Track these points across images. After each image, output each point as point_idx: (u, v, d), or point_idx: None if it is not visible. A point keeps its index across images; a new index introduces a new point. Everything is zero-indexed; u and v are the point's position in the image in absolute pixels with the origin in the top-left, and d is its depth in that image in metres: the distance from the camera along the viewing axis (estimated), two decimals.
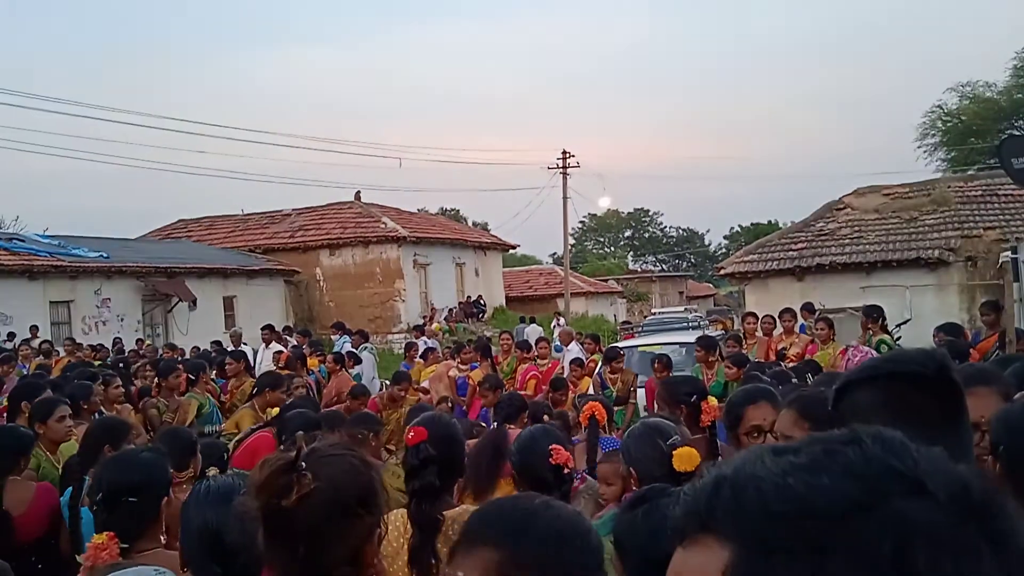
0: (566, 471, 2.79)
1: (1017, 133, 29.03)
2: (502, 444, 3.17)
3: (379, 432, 5.17)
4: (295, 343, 13.66)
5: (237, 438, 5.22)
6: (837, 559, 0.55)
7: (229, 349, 14.37)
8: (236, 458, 4.78)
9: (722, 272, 17.93)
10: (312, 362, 10.34)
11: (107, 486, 2.44)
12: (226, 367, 8.40)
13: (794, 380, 5.11)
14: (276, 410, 5.35)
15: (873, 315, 9.14)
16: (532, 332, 23.20)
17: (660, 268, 63.38)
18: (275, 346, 13.45)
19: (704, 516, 0.62)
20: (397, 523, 2.50)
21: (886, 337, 9.07)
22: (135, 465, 2.57)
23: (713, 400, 3.80)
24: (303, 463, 1.49)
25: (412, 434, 2.63)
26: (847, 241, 16.14)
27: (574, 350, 10.93)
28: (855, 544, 0.55)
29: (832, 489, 0.58)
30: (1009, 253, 9.03)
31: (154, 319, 21.21)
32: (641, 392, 8.18)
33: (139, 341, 16.84)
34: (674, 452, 2.63)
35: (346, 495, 1.54)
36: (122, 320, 19.95)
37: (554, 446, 2.81)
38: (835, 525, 0.56)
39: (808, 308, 10.46)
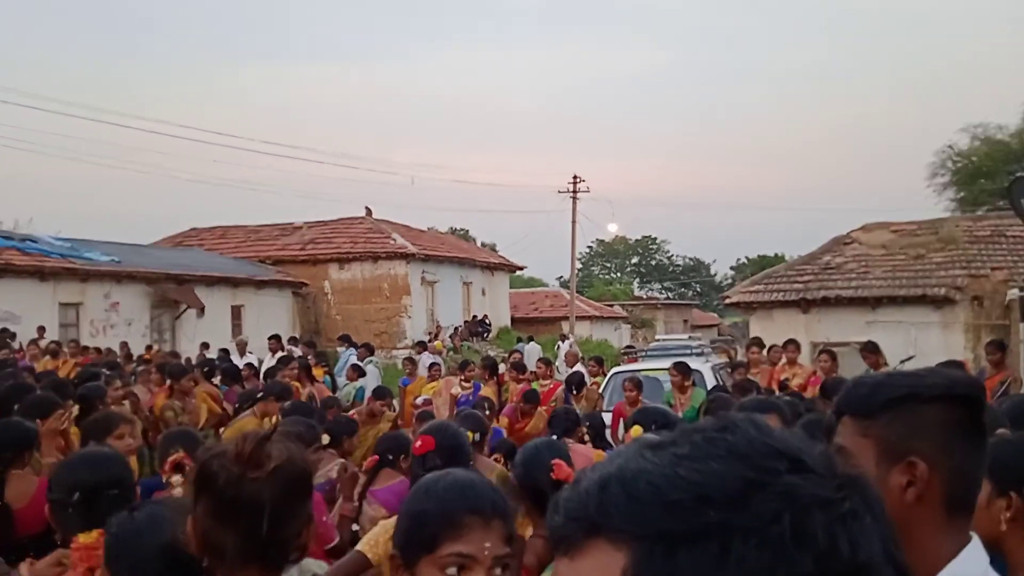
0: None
1: None
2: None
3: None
4: (300, 353, 13.72)
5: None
6: (739, 540, 0.55)
7: (233, 357, 14.45)
8: None
9: (728, 301, 17.95)
10: (318, 372, 10.42)
11: (82, 485, 2.41)
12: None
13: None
14: (275, 419, 5.34)
15: (874, 351, 9.17)
16: (531, 351, 23.26)
17: (665, 296, 63.29)
18: (280, 355, 13.50)
19: (595, 518, 0.59)
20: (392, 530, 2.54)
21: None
22: (104, 461, 2.60)
23: None
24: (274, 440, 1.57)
25: (420, 443, 2.67)
26: (853, 276, 16.16)
27: (579, 371, 10.97)
28: (755, 522, 0.55)
29: (724, 473, 0.58)
30: (1016, 291, 9.05)
31: (162, 325, 21.31)
32: (607, 416, 8.05)
33: (148, 348, 16.90)
34: None
35: (303, 473, 1.62)
36: (130, 324, 20.03)
37: (556, 460, 2.83)
38: (733, 506, 0.56)
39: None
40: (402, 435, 5.48)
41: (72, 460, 2.72)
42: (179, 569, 1.75)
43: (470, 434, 4.22)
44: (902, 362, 11.60)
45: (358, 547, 2.59)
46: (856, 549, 0.57)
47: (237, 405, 6.87)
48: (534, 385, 9.23)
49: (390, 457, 4.39)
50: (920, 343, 14.04)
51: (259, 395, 6.39)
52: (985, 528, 1.61)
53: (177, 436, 4.04)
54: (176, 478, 3.69)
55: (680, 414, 7.90)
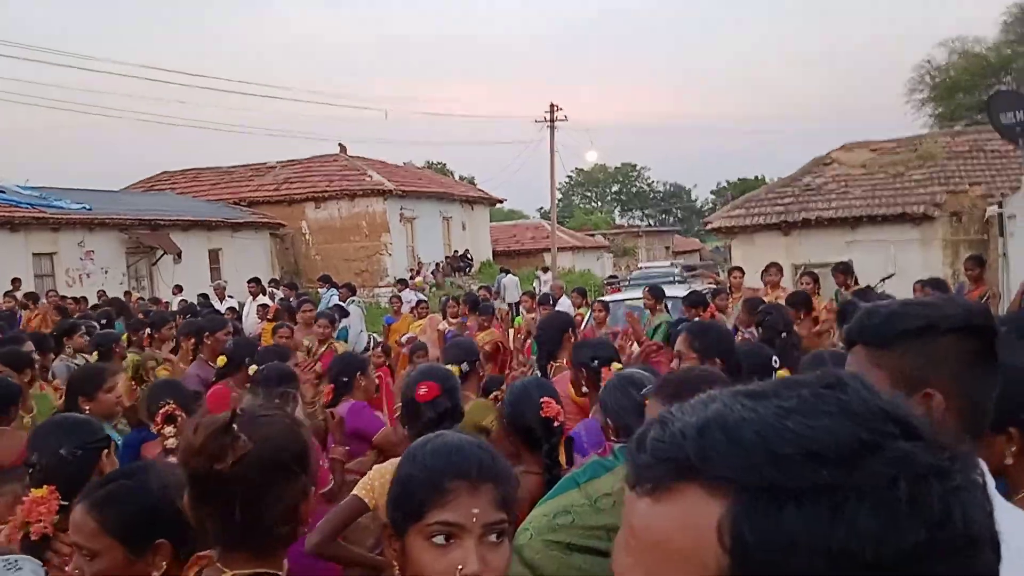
0: (556, 424, 2.80)
1: (1006, 88, 28.99)
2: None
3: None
4: (282, 296, 13.65)
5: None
6: (852, 502, 0.53)
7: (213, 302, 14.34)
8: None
9: (709, 227, 17.96)
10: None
11: (40, 452, 2.39)
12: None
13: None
14: (223, 359, 5.00)
15: (847, 272, 9.24)
16: (509, 284, 23.31)
17: (647, 223, 63.39)
18: (261, 299, 13.42)
19: (693, 461, 0.57)
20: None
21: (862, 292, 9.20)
22: (71, 425, 2.57)
23: (617, 366, 3.66)
24: (236, 426, 1.47)
25: (425, 389, 2.65)
26: (833, 196, 16.17)
27: (564, 304, 10.98)
28: (869, 485, 0.53)
29: (838, 431, 0.55)
30: (995, 208, 9.08)
31: (139, 272, 21.07)
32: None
33: (127, 294, 16.73)
34: (647, 401, 2.65)
35: (282, 455, 1.52)
36: (106, 272, 19.80)
37: (545, 399, 2.81)
38: (846, 467, 0.54)
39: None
40: (351, 355, 5.37)
41: (41, 427, 2.67)
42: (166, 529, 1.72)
43: (456, 368, 4.19)
44: (882, 280, 11.70)
45: (355, 491, 2.58)
46: (969, 522, 0.55)
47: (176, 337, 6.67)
48: (517, 320, 9.23)
49: (344, 380, 4.34)
50: (900, 261, 14.15)
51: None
52: (985, 459, 1.61)
53: (164, 387, 3.98)
54: (168, 429, 3.67)
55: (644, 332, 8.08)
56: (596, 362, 3.68)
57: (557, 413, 2.80)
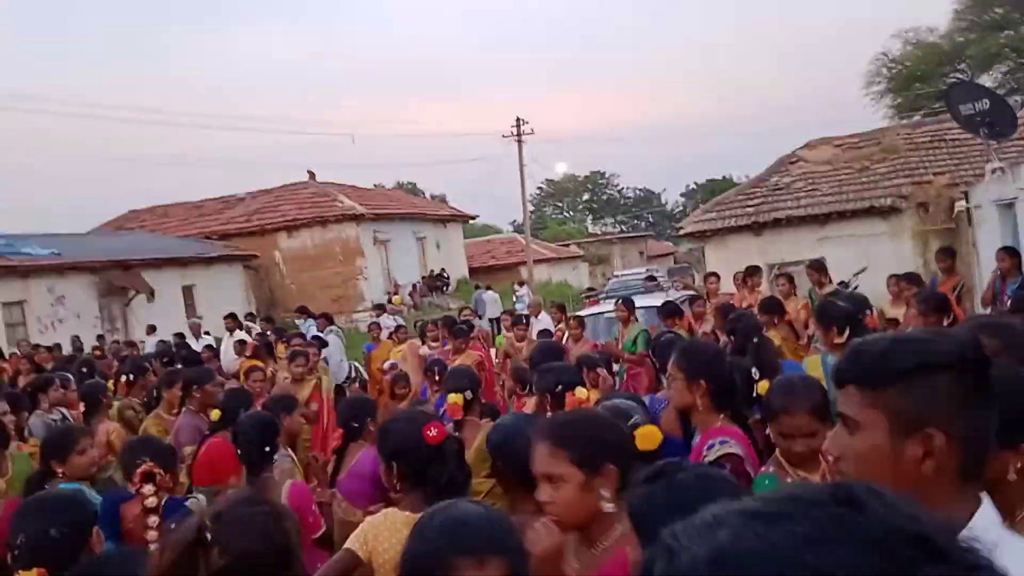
0: None
1: (962, 78, 29.54)
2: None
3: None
4: (259, 331, 13.51)
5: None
6: None
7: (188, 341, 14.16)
8: (196, 473, 4.54)
9: (681, 232, 18.06)
10: (280, 349, 10.20)
11: (29, 530, 2.34)
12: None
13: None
14: (217, 413, 4.87)
15: (820, 269, 9.32)
16: (488, 300, 23.28)
17: (620, 230, 63.64)
18: (239, 334, 13.28)
19: None
20: (396, 526, 2.43)
21: (837, 288, 9.28)
22: (57, 503, 2.51)
23: (581, 392, 3.66)
24: (208, 535, 1.39)
25: (435, 431, 2.57)
26: (802, 194, 16.33)
27: (544, 320, 10.97)
28: None
29: (858, 564, 0.52)
30: (963, 203, 9.23)
31: (112, 314, 20.77)
32: None
33: (100, 337, 16.48)
34: (636, 432, 2.62)
35: (261, 559, 1.44)
36: (79, 317, 19.48)
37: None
38: None
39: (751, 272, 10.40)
40: (365, 399, 5.30)
41: (23, 507, 2.59)
42: None
43: (460, 397, 4.12)
44: (855, 275, 11.83)
45: (347, 545, 2.53)
46: None
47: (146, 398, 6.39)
48: (499, 340, 9.17)
49: (355, 425, 4.21)
50: (871, 254, 14.30)
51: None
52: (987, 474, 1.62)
53: (143, 445, 3.91)
54: (148, 488, 3.59)
55: (620, 345, 8.11)
56: (560, 387, 3.67)
57: None
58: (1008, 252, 7.56)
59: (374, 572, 2.41)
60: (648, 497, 1.58)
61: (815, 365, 4.62)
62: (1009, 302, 7.37)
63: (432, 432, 2.58)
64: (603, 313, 10.35)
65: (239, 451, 3.90)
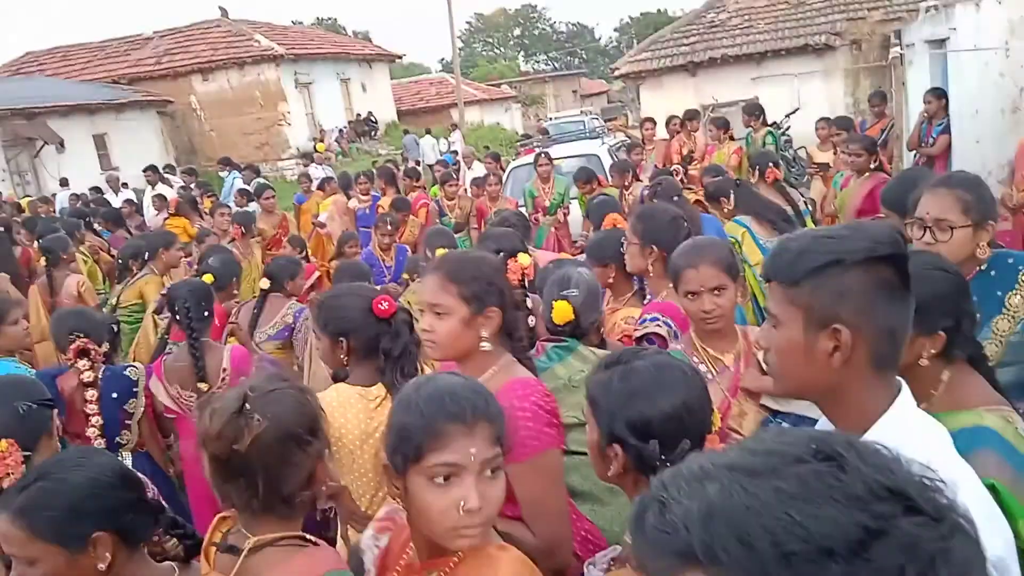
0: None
1: None
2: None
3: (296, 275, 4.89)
4: (182, 184, 12.99)
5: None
6: None
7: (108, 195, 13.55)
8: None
9: (617, 73, 17.68)
10: (206, 203, 9.85)
11: None
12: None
13: None
14: (210, 277, 4.66)
15: (755, 113, 9.31)
16: (425, 146, 22.79)
17: (552, 67, 62.07)
18: (160, 187, 12.77)
19: (700, 558, 0.57)
20: (350, 401, 2.45)
21: (771, 130, 9.34)
22: (16, 385, 2.53)
23: (524, 258, 3.66)
24: (249, 406, 1.57)
25: (386, 305, 2.53)
26: (737, 32, 16.04)
27: (478, 170, 10.75)
28: (879, 574, 0.54)
29: (842, 520, 0.56)
30: (897, 50, 9.18)
31: (20, 166, 19.60)
32: None
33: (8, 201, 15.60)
34: (553, 303, 2.64)
35: (294, 428, 1.62)
36: None
37: None
38: (855, 558, 0.54)
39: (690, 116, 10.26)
40: (292, 259, 5.30)
41: None
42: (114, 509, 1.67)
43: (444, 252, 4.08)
44: (787, 115, 11.86)
45: None
46: None
47: (120, 261, 6.23)
48: (433, 191, 9.00)
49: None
50: (803, 94, 14.33)
51: (144, 252, 5.89)
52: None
53: (71, 318, 3.78)
54: (83, 363, 3.51)
55: (547, 203, 8.07)
56: (501, 254, 3.60)
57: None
58: (935, 94, 7.61)
59: (330, 446, 2.42)
60: (604, 383, 1.62)
61: (734, 228, 4.68)
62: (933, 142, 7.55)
63: (383, 306, 2.54)
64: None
65: (176, 318, 3.85)
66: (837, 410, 1.38)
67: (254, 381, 1.68)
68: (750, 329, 2.60)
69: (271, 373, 1.97)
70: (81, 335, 3.53)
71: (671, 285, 2.71)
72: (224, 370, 3.74)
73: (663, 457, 1.49)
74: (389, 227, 6.20)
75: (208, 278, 4.45)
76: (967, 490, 1.21)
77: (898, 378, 1.39)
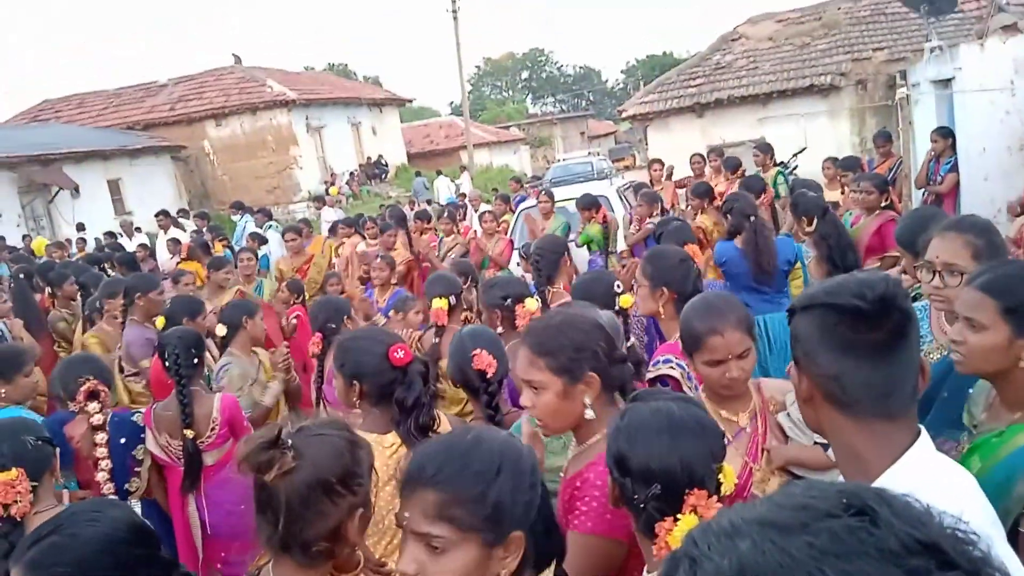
0: (489, 375, 2.71)
1: None
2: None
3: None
4: (195, 228, 13.09)
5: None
6: None
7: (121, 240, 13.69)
8: (154, 387, 4.42)
9: (624, 115, 17.86)
10: (217, 247, 9.91)
11: None
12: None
13: None
14: (162, 321, 4.71)
15: (768, 151, 9.37)
16: (441, 185, 22.99)
17: (560, 109, 62.72)
18: (173, 232, 12.87)
19: None
20: (383, 447, 2.41)
21: (780, 170, 9.37)
22: (19, 426, 2.58)
23: (530, 303, 3.59)
24: (287, 440, 1.55)
25: (401, 354, 2.49)
26: (743, 73, 16.19)
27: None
28: None
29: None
30: (904, 90, 9.26)
31: (36, 212, 19.85)
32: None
33: (26, 238, 15.80)
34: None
35: (326, 474, 1.58)
36: (0, 216, 18.60)
37: (476, 351, 2.72)
38: None
39: (718, 152, 10.43)
40: (337, 299, 4.99)
41: None
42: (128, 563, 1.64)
43: (445, 303, 4.02)
44: (794, 155, 11.91)
45: None
46: None
47: (87, 313, 5.93)
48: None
49: (332, 327, 4.06)
50: (810, 134, 14.40)
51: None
52: (998, 363, 1.72)
53: (80, 362, 3.79)
54: (93, 405, 3.51)
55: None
56: (508, 300, 3.59)
57: (488, 365, 2.70)
58: (941, 133, 7.65)
59: (369, 506, 2.42)
60: (616, 424, 1.62)
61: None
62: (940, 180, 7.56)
63: (399, 355, 2.51)
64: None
65: (165, 365, 3.74)
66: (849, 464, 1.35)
67: (313, 421, 1.68)
68: (764, 383, 2.42)
69: (335, 419, 1.88)
70: (90, 378, 3.53)
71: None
72: (214, 419, 3.68)
73: (635, 496, 1.50)
74: (384, 265, 6.17)
75: (161, 322, 4.45)
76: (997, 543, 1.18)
77: (920, 426, 1.33)
